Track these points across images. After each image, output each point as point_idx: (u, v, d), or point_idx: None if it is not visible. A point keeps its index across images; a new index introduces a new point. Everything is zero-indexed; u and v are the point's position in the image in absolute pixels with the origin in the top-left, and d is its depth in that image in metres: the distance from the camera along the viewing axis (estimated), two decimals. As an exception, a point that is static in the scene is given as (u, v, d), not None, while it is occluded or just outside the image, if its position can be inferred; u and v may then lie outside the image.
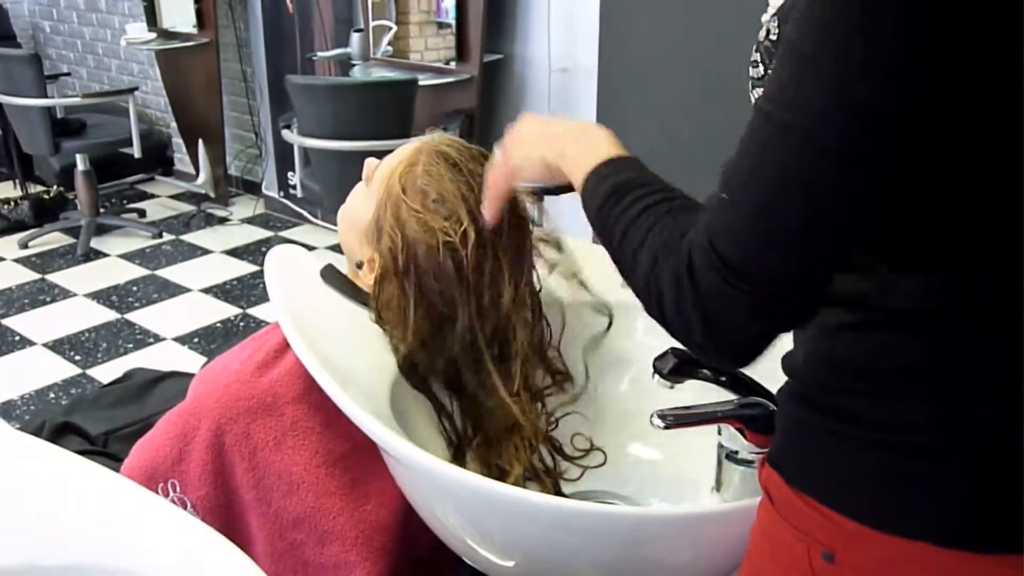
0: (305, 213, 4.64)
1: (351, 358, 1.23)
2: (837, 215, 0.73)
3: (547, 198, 1.20)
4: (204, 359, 3.29)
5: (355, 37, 3.87)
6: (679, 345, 1.12)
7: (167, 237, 4.55)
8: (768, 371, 0.91)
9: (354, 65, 3.86)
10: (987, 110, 0.69)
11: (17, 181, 5.04)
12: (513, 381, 1.29)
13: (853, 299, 0.78)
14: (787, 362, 0.87)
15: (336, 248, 4.19)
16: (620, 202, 0.86)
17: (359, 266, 1.32)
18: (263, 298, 3.85)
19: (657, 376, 1.14)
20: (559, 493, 1.34)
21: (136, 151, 4.41)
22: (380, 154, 1.36)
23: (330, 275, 1.35)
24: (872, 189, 0.72)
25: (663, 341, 1.21)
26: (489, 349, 1.26)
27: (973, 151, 0.71)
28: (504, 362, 1.29)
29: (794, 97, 0.70)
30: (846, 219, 0.73)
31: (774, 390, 0.97)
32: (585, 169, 0.92)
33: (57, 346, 3.49)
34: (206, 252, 4.39)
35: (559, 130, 0.99)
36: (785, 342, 0.88)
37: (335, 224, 1.40)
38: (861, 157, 0.70)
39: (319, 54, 4.19)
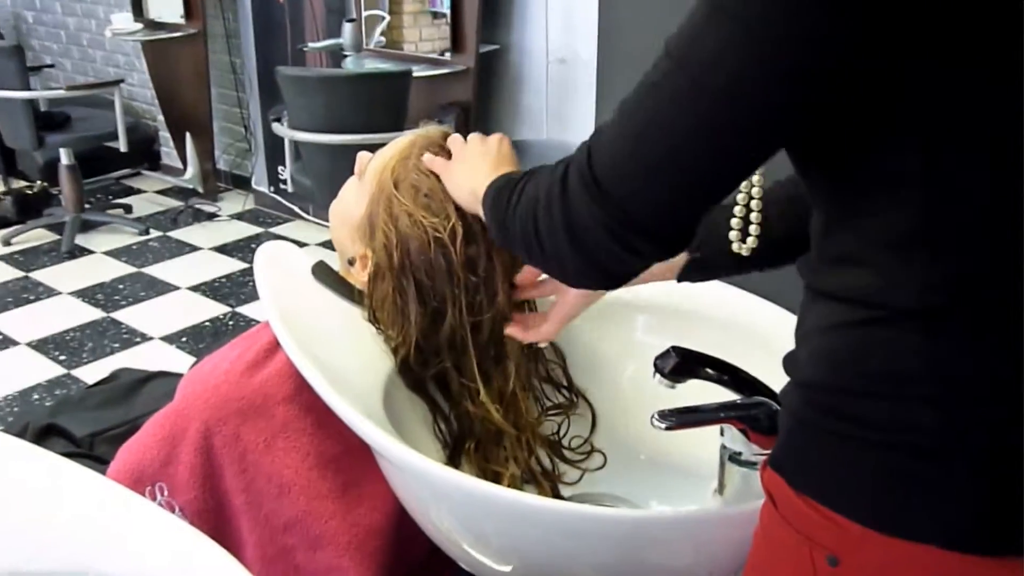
0: (296, 208, 4.64)
1: (343, 358, 1.23)
2: (738, 169, 0.80)
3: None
4: (192, 359, 3.29)
5: (347, 27, 3.87)
6: (681, 343, 1.14)
7: (154, 233, 4.55)
8: (773, 370, 0.91)
9: (346, 56, 3.86)
10: (966, 104, 0.71)
11: (-1, 176, 5.05)
12: (509, 380, 1.29)
13: (854, 296, 0.79)
14: (788, 361, 0.87)
15: (328, 244, 4.17)
16: (510, 184, 0.97)
17: (351, 263, 1.32)
18: (253, 296, 3.85)
19: (658, 375, 1.14)
20: (557, 496, 1.34)
21: (122, 145, 4.41)
22: (373, 148, 1.36)
23: (321, 272, 1.36)
24: (769, 150, 0.79)
25: (663, 339, 1.22)
26: (478, 350, 1.26)
27: (958, 145, 0.72)
28: (500, 361, 1.29)
29: (716, 58, 0.74)
30: (743, 172, 0.80)
31: (778, 390, 0.97)
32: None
33: (41, 346, 3.48)
34: (194, 249, 4.39)
35: (484, 171, 1.09)
36: (787, 344, 0.88)
37: (327, 220, 1.40)
38: (776, 118, 0.75)
39: (310, 45, 4.18)
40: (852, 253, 0.79)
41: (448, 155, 1.24)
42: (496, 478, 1.26)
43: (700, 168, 0.79)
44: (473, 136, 1.20)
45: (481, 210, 1.06)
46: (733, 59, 0.73)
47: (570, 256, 0.87)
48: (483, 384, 1.27)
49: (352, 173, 1.36)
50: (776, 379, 0.94)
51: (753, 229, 1.02)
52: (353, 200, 1.32)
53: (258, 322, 3.48)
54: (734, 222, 1.02)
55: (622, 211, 0.81)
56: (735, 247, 1.03)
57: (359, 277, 1.31)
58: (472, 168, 1.15)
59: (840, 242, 0.80)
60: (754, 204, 1.02)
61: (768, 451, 0.99)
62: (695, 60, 0.75)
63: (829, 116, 0.76)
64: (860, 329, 0.78)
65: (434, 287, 1.24)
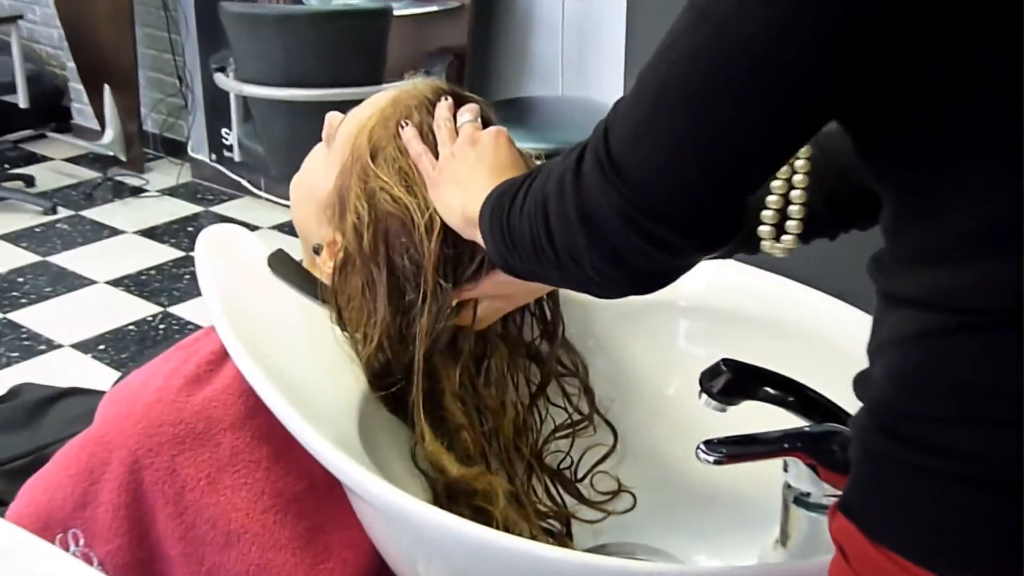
0: (244, 182, 4.64)
1: (309, 371, 1.25)
2: (775, 143, 0.82)
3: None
4: (114, 372, 3.29)
5: (310, -48, 3.88)
6: (734, 355, 1.14)
7: (63, 213, 4.56)
8: (850, 390, 0.92)
9: (309, -12, 3.87)
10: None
11: None
12: (502, 394, 1.33)
13: (938, 299, 0.79)
14: (860, 382, 0.87)
15: (286, 227, 4.18)
16: (513, 186, 1.01)
17: (317, 251, 1.33)
18: (190, 293, 3.86)
19: (705, 395, 1.14)
20: (565, 536, 1.35)
21: (21, 100, 4.42)
22: (344, 106, 1.37)
23: (280, 263, 1.36)
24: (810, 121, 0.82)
25: (711, 351, 1.23)
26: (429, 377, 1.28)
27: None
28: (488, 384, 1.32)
29: (742, 7, 0.77)
30: (781, 147, 0.83)
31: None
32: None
33: (-80, 355, 3.50)
34: (115, 232, 4.40)
35: (479, 185, 1.11)
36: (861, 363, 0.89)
37: (285, 196, 1.41)
38: (811, 80, 0.78)
39: (263, -26, 4.20)
40: (934, 247, 0.79)
41: (437, 142, 1.25)
42: (486, 517, 1.27)
43: (727, 141, 0.81)
44: (463, 133, 1.22)
45: (478, 234, 1.08)
46: (761, 7, 0.76)
47: (587, 252, 0.89)
48: (450, 410, 1.29)
49: (318, 138, 1.37)
50: (855, 401, 0.95)
51: (792, 226, 1.03)
52: (320, 172, 1.33)
53: (197, 326, 3.43)
54: (767, 214, 1.03)
55: (641, 195, 0.83)
56: (767, 246, 1.04)
57: (327, 269, 1.32)
58: (463, 183, 1.16)
59: (918, 235, 0.81)
60: (795, 195, 1.03)
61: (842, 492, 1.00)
62: (719, 10, 0.78)
63: (882, 77, 0.77)
64: (947, 339, 0.79)
65: (415, 280, 1.25)
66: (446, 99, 1.28)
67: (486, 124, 1.25)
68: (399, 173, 1.26)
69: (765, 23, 0.76)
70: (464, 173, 1.18)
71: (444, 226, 1.22)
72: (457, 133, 1.24)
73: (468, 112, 1.25)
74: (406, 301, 1.26)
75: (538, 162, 1.26)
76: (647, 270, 0.90)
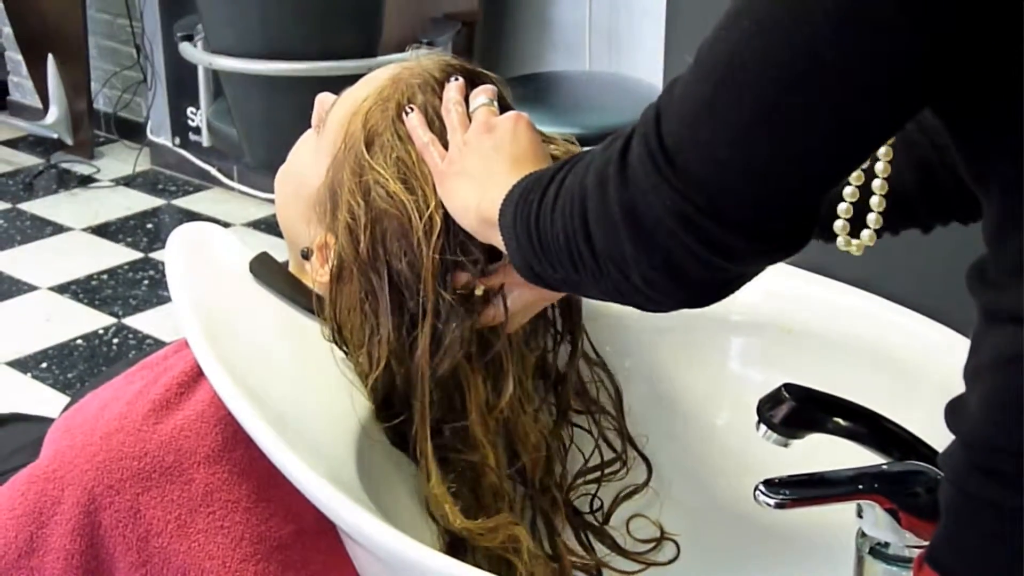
0: (214, 171, 4.63)
1: (299, 395, 1.25)
2: (862, 129, 0.82)
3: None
4: (59, 395, 3.29)
5: (293, -101, 3.89)
6: (797, 380, 1.15)
7: (-1, 206, 4.57)
8: (936, 421, 0.92)
9: (291, -57, 3.88)
10: None
11: None
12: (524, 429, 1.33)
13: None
14: (954, 411, 0.87)
15: (263, 225, 4.18)
16: (541, 181, 1.03)
17: (306, 255, 1.33)
18: (149, 301, 3.85)
19: (764, 427, 1.15)
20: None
21: (-49, 73, 4.42)
22: (333, 82, 1.37)
23: (265, 269, 1.36)
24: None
25: (770, 374, 1.23)
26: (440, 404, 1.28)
27: None
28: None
29: None
30: (870, 133, 0.83)
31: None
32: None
33: None
34: (60, 229, 4.39)
35: (496, 179, 1.12)
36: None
37: (261, 188, 1.42)
38: (906, 54, 0.77)
39: (236, -75, 4.20)
40: None
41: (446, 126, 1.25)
42: (508, 568, 1.27)
43: (807, 124, 0.81)
44: (476, 119, 1.22)
45: (497, 236, 1.08)
46: None
47: (634, 260, 0.89)
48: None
49: (301, 119, 1.37)
50: (942, 434, 0.95)
51: (872, 219, 1.03)
52: (309, 164, 1.34)
53: (157, 340, 3.41)
54: (842, 207, 1.03)
55: (700, 191, 0.84)
56: (840, 243, 1.04)
57: (317, 276, 1.32)
58: (478, 178, 1.17)
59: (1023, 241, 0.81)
60: (876, 184, 1.03)
61: (927, 543, 1.00)
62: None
63: (985, 53, 0.77)
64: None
65: (414, 289, 1.25)
66: (456, 79, 1.28)
67: (503, 108, 1.26)
68: (396, 164, 1.26)
69: None
70: (479, 165, 1.18)
71: (446, 230, 1.22)
72: (470, 119, 1.24)
73: (483, 94, 1.25)
74: (409, 315, 1.26)
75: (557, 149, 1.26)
76: (705, 279, 0.90)
